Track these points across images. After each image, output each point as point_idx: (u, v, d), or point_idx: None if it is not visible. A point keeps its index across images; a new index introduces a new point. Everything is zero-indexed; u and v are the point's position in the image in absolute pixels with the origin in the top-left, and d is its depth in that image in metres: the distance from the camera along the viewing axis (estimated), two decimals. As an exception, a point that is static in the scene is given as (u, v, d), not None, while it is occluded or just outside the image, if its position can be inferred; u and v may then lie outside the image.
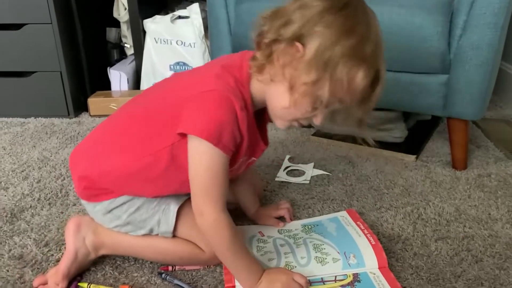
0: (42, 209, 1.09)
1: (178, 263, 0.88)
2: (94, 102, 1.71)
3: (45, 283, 0.84)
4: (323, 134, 1.46)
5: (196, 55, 1.80)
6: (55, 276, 0.83)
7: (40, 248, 0.95)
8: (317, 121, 0.77)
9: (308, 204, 1.10)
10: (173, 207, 0.84)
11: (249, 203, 1.02)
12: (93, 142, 0.87)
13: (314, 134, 1.48)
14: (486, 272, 0.86)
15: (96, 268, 0.89)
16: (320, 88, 0.70)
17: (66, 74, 1.64)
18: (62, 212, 1.08)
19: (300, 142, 1.46)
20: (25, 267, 0.89)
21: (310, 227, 0.99)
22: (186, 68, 1.83)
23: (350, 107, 0.76)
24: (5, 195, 1.16)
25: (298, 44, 0.69)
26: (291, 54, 0.70)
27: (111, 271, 0.88)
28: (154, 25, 1.79)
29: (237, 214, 0.99)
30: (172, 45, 1.81)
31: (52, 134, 1.54)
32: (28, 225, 1.03)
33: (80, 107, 1.75)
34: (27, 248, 0.95)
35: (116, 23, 1.93)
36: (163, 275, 0.86)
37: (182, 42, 1.80)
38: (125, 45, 1.96)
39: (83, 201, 0.88)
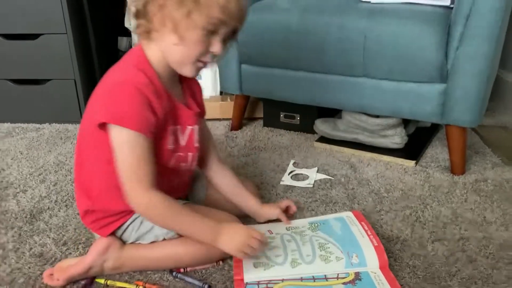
0: (59, 211, 1.15)
1: (193, 264, 0.93)
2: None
3: (51, 274, 0.90)
4: (326, 140, 1.52)
5: (204, 64, 1.87)
6: (61, 273, 0.89)
7: (58, 247, 1.01)
8: (216, 49, 0.80)
9: (312, 207, 1.15)
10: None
11: (251, 204, 1.06)
12: (76, 175, 0.94)
13: (318, 140, 1.53)
14: (480, 272, 0.91)
15: (112, 266, 0.94)
16: (195, 16, 0.75)
17: (80, 81, 1.71)
18: (78, 214, 1.13)
19: (304, 148, 1.52)
20: (45, 264, 0.95)
21: (316, 225, 1.04)
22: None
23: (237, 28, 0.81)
24: (24, 197, 1.22)
25: None
26: (160, 3, 0.77)
27: (126, 268, 0.94)
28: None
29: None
30: (181, 54, 1.87)
31: (67, 139, 1.61)
32: (47, 226, 1.09)
33: (93, 113, 1.81)
34: (47, 247, 1.01)
35: (127, 33, 2.00)
36: (174, 273, 0.91)
37: (190, 51, 1.87)
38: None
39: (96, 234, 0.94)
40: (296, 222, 1.07)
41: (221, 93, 1.92)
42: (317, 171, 1.34)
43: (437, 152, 1.46)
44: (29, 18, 1.63)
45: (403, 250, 0.98)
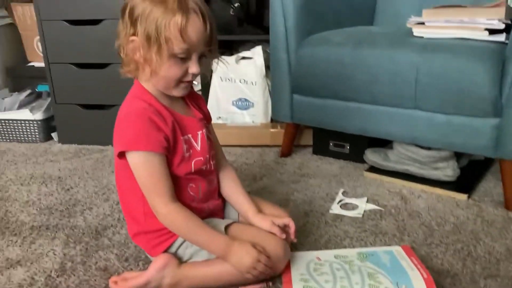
0: (121, 228, 1.24)
1: (248, 282, 0.97)
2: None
3: (115, 282, 0.98)
4: (376, 170, 1.53)
5: (257, 93, 1.95)
6: (123, 283, 0.96)
7: (121, 262, 1.09)
8: (194, 70, 0.90)
9: (361, 237, 1.17)
10: (221, 227, 0.98)
11: (245, 209, 1.06)
12: (121, 201, 1.06)
13: (367, 170, 1.55)
14: (535, 311, 0.90)
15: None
16: (163, 52, 0.86)
17: (142, 107, 1.83)
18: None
19: (353, 177, 1.54)
20: (109, 278, 1.03)
21: (365, 255, 1.06)
22: (248, 104, 1.98)
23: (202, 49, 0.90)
24: (90, 214, 1.32)
25: (132, 37, 0.88)
26: (132, 44, 0.89)
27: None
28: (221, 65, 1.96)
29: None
30: (236, 83, 1.97)
31: (128, 161, 1.72)
32: (110, 242, 1.18)
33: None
34: (110, 262, 1.09)
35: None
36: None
37: (245, 81, 1.96)
38: (193, 82, 2.14)
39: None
40: (344, 252, 1.09)
41: (271, 120, 1.99)
42: (367, 201, 1.35)
43: (490, 186, 1.44)
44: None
45: (454, 284, 0.98)
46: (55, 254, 1.12)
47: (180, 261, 0.99)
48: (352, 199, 1.37)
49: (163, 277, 0.96)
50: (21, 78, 2.22)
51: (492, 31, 1.28)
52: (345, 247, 1.13)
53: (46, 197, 1.44)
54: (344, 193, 1.41)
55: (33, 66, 2.21)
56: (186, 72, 0.91)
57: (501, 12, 1.27)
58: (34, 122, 1.94)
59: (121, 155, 0.92)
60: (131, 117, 0.90)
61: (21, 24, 2.17)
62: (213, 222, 1.01)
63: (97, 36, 1.78)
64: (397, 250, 1.08)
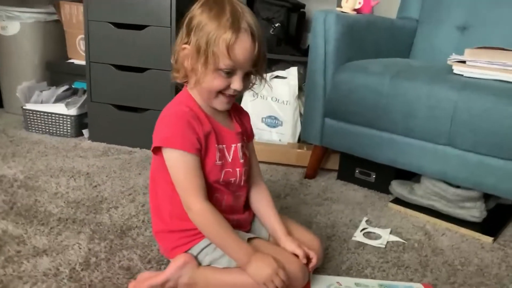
0: (145, 230, 1.25)
1: None
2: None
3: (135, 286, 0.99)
4: (401, 203, 1.52)
5: (287, 112, 1.97)
6: (141, 283, 0.97)
7: (144, 263, 1.10)
8: (236, 86, 0.92)
9: (383, 268, 1.16)
10: (244, 239, 0.98)
11: (275, 228, 1.06)
12: (151, 199, 1.08)
13: (392, 201, 1.54)
14: None
15: None
16: (210, 65, 0.89)
17: (174, 114, 1.86)
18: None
19: (378, 206, 1.53)
20: (131, 277, 1.04)
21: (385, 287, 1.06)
22: (277, 122, 2.00)
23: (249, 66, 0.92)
24: (116, 213, 1.34)
25: (185, 45, 0.93)
26: (183, 52, 0.93)
27: None
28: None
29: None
30: (267, 100, 1.99)
31: (155, 165, 1.74)
32: (134, 242, 1.19)
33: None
34: (133, 262, 1.10)
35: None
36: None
37: (276, 99, 1.98)
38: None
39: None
40: (366, 281, 1.09)
41: (298, 140, 2.00)
42: (390, 233, 1.35)
43: (517, 232, 1.42)
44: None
45: (476, 327, 0.97)
46: (80, 248, 1.14)
47: (199, 264, 1.00)
48: (376, 228, 1.36)
49: (180, 276, 0.97)
50: (60, 74, 2.28)
51: (534, 77, 1.28)
52: (366, 276, 1.12)
53: (74, 191, 1.47)
54: (367, 222, 1.41)
55: (72, 63, 2.27)
56: (228, 87, 0.93)
57: (545, 59, 1.28)
58: (68, 117, 1.99)
59: (157, 150, 0.96)
60: (171, 117, 0.95)
61: (67, 22, 2.25)
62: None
63: (139, 41, 1.83)
64: (418, 287, 1.07)
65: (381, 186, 1.64)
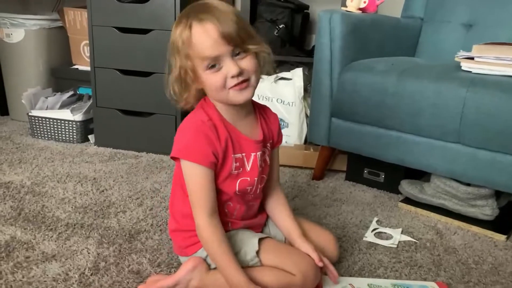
0: (154, 234, 1.24)
1: None
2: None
3: None
4: (411, 202, 1.51)
5: (293, 113, 1.96)
6: (151, 286, 0.96)
7: (153, 267, 1.09)
8: (232, 72, 0.87)
9: (396, 268, 1.15)
10: (254, 239, 0.97)
11: (291, 232, 1.06)
12: (170, 200, 1.09)
13: (402, 201, 1.53)
14: None
15: None
16: (198, 70, 0.89)
17: (180, 118, 1.86)
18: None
19: (387, 207, 1.52)
20: (141, 282, 1.03)
21: (399, 287, 1.04)
22: (282, 124, 1.99)
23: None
24: (124, 218, 1.33)
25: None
26: (173, 75, 0.94)
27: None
28: (260, 83, 1.98)
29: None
30: (273, 102, 1.98)
31: (162, 169, 1.74)
32: (143, 246, 1.18)
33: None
34: (143, 266, 1.09)
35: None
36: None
37: (282, 101, 1.97)
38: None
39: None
40: (379, 281, 1.07)
41: (304, 142, 1.99)
42: (401, 232, 1.33)
43: (530, 229, 1.39)
44: (147, 58, 1.82)
45: (494, 327, 0.95)
46: (89, 253, 1.13)
47: (209, 267, 0.99)
48: (387, 228, 1.35)
49: (191, 279, 0.97)
50: (64, 80, 2.29)
51: (544, 72, 1.26)
52: (379, 276, 1.11)
53: (81, 196, 1.46)
54: (378, 222, 1.39)
55: (77, 69, 2.28)
56: (226, 77, 0.89)
57: (554, 53, 1.26)
58: (73, 123, 1.99)
59: (174, 158, 0.96)
60: (189, 129, 0.94)
61: (71, 28, 2.25)
62: (247, 233, 1.01)
63: (144, 45, 1.83)
64: (432, 286, 1.06)
65: (391, 186, 1.63)
